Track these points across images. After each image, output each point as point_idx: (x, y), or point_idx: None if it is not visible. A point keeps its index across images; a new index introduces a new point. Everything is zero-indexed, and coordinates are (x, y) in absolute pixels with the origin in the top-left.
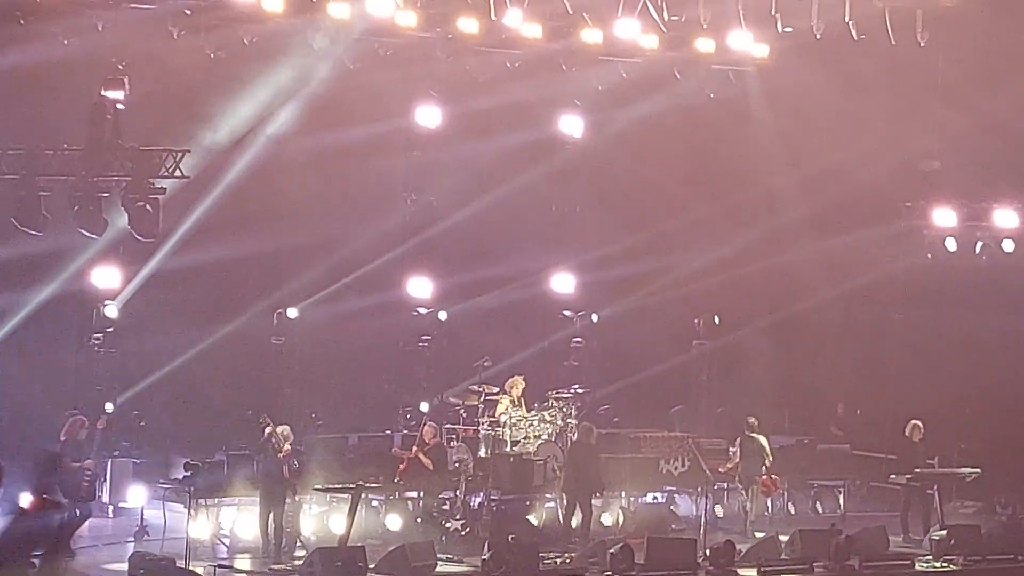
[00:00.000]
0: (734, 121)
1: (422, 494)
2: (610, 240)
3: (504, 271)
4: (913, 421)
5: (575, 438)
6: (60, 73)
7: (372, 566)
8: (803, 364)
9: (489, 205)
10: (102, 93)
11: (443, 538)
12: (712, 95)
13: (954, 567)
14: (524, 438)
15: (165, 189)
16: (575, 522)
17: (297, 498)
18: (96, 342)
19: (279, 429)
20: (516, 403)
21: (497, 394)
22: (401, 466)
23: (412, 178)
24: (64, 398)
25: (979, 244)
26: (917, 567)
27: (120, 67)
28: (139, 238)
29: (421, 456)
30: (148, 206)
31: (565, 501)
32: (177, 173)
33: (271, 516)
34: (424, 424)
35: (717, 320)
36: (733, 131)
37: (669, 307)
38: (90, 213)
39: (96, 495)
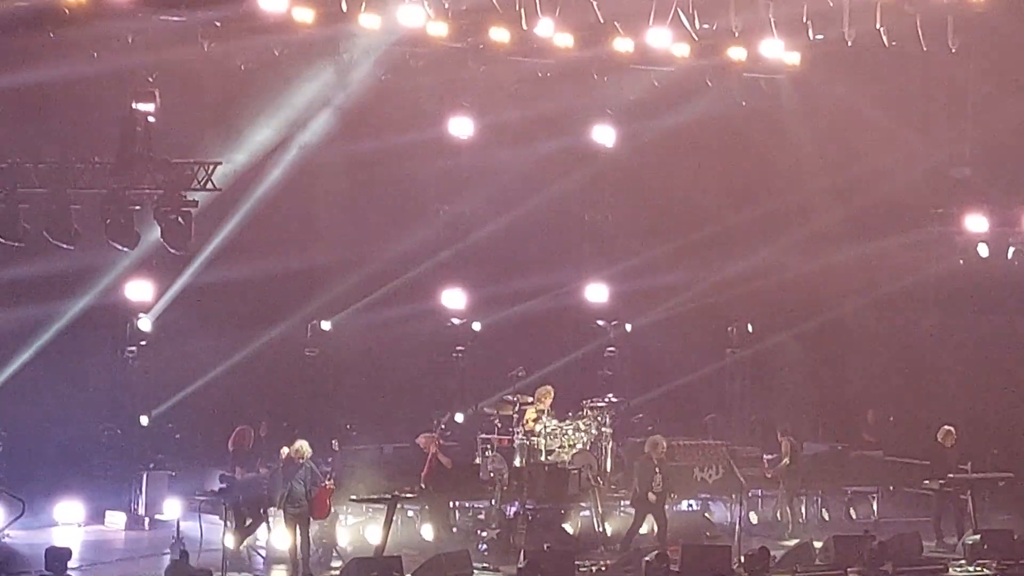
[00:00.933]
0: (766, 129)
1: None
2: (643, 249)
3: (538, 281)
4: (946, 427)
5: (645, 451)
6: (90, 86)
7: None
8: (836, 371)
9: (522, 215)
10: (133, 106)
11: (479, 547)
12: (744, 103)
13: (988, 571)
14: (559, 447)
15: (197, 202)
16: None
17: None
18: (130, 355)
19: (296, 445)
20: (547, 413)
21: (530, 403)
22: (423, 471)
23: (445, 189)
24: (98, 412)
25: (1011, 249)
26: (951, 572)
27: (150, 80)
28: (172, 251)
29: (440, 455)
30: (180, 219)
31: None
32: (209, 185)
33: (297, 531)
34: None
35: (750, 328)
36: (765, 139)
37: (702, 316)
38: (122, 226)
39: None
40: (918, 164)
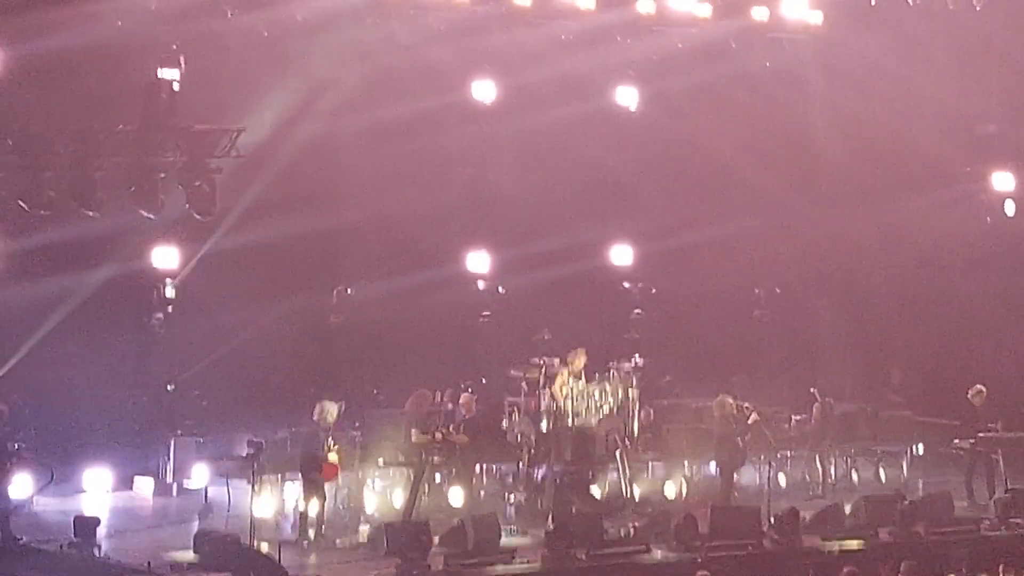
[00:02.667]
0: (790, 90)
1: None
2: (669, 211)
3: (563, 244)
4: (976, 386)
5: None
6: (114, 53)
7: (436, 540)
8: (864, 331)
9: (546, 178)
10: (157, 73)
11: (506, 511)
12: (768, 64)
13: (1020, 530)
14: (585, 410)
15: (222, 169)
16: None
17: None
18: (156, 322)
19: (319, 407)
20: (577, 376)
21: (558, 366)
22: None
23: (469, 152)
24: (125, 379)
25: None
26: (982, 531)
27: (174, 47)
28: (197, 217)
29: (454, 437)
30: (205, 185)
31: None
32: (233, 152)
33: (316, 496)
34: (459, 394)
35: (777, 290)
36: (789, 100)
37: (729, 277)
38: (146, 193)
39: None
40: (944, 122)
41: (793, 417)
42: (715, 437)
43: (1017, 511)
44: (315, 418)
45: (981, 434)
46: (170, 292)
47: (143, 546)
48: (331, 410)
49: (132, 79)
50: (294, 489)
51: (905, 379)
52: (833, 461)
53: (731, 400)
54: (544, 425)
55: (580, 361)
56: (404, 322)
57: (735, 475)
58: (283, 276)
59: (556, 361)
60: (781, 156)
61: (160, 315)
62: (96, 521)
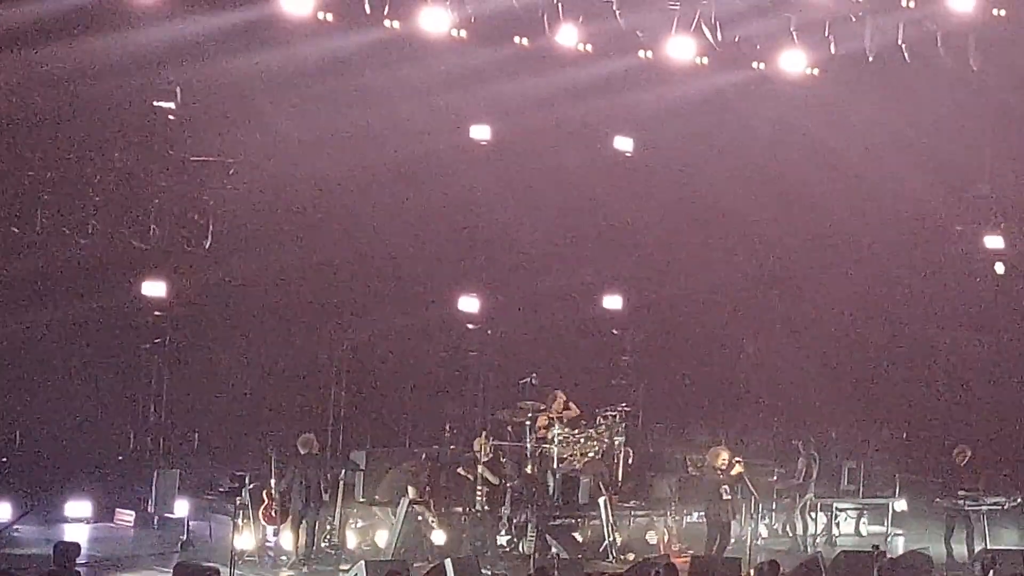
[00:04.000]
0: (787, 140)
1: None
2: (661, 258)
3: (554, 288)
4: (960, 446)
5: (706, 463)
6: (112, 82)
7: None
8: (852, 385)
9: (540, 222)
10: (154, 103)
11: (488, 554)
12: (766, 114)
13: None
14: (571, 455)
15: (215, 201)
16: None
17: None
18: (144, 353)
19: (301, 439)
20: (562, 420)
21: (543, 411)
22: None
23: (465, 195)
24: (110, 410)
25: None
26: None
27: (172, 78)
28: (189, 249)
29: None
30: (198, 216)
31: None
32: (228, 184)
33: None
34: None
35: (760, 343)
36: (786, 150)
37: (717, 325)
38: (139, 223)
39: None
40: (938, 179)
41: (776, 470)
42: (704, 488)
43: (995, 572)
44: (302, 452)
45: (962, 493)
46: (160, 323)
47: None
48: (305, 442)
49: (129, 109)
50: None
51: (892, 436)
52: (815, 514)
53: (725, 453)
54: (529, 469)
55: (559, 403)
56: (394, 362)
57: (728, 527)
58: (273, 313)
59: (543, 406)
60: (773, 208)
61: (148, 346)
62: (77, 549)
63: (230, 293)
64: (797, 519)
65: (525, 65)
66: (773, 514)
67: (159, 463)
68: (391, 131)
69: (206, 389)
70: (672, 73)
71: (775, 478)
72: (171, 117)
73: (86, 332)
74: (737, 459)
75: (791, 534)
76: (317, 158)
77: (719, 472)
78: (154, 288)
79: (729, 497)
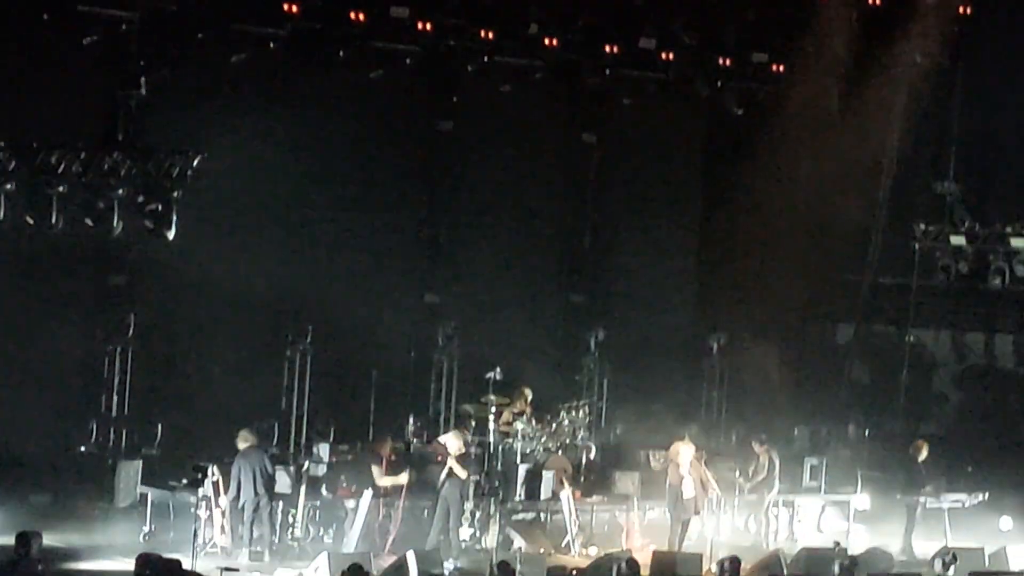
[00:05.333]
0: (755, 138)
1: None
2: (622, 253)
3: (519, 283)
4: (918, 440)
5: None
6: (78, 70)
7: (376, 574)
8: (815, 382)
9: (504, 217)
10: (119, 91)
11: (451, 547)
12: (736, 111)
13: None
14: (533, 450)
15: (180, 191)
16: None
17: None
18: (109, 343)
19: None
20: (525, 415)
21: (507, 404)
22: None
23: (430, 187)
24: (75, 401)
25: (993, 266)
26: None
27: (140, 65)
28: (154, 240)
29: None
30: (161, 207)
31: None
32: (191, 175)
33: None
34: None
35: (725, 337)
36: (754, 147)
37: (682, 323)
38: (103, 212)
39: None
40: (902, 178)
41: (738, 467)
42: (667, 483)
43: (956, 569)
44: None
45: (925, 489)
46: (126, 315)
47: (85, 567)
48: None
49: (94, 97)
50: (240, 513)
51: (858, 433)
52: (777, 511)
53: (688, 447)
54: (492, 463)
55: (525, 400)
56: (357, 356)
57: (688, 523)
58: (238, 305)
59: (507, 400)
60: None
61: (114, 337)
62: (39, 537)
63: (193, 284)
64: (760, 515)
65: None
66: (735, 510)
67: (121, 454)
68: (353, 120)
69: (169, 380)
70: (641, 69)
71: (738, 475)
72: (136, 105)
73: (53, 323)
74: (698, 455)
75: (752, 530)
76: (282, 150)
77: (680, 468)
78: (119, 278)
79: (692, 493)
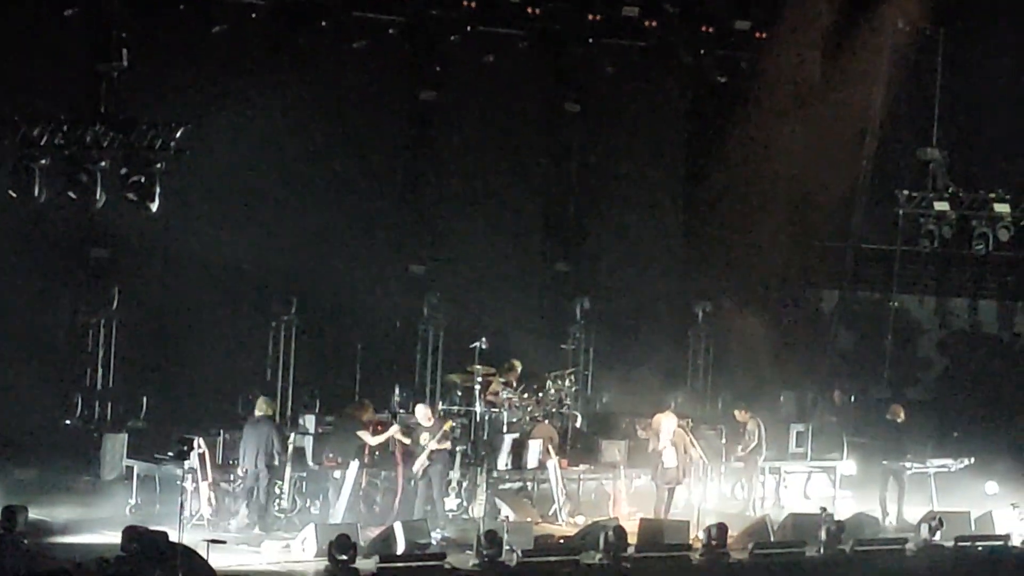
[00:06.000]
0: (739, 105)
1: None
2: (607, 222)
3: (504, 253)
4: (894, 405)
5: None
6: (58, 41)
7: (363, 544)
8: (801, 351)
9: (489, 185)
10: (100, 63)
11: (438, 516)
12: (719, 79)
13: (945, 550)
14: (519, 419)
15: (162, 162)
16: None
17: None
18: (93, 316)
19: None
20: (511, 385)
21: (494, 375)
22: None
23: (414, 157)
24: (60, 373)
25: (976, 232)
26: (908, 550)
27: (121, 37)
28: (137, 210)
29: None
30: (144, 178)
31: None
32: (174, 147)
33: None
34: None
35: (711, 305)
36: (737, 115)
37: (668, 291)
38: (84, 184)
39: None
40: (886, 144)
41: (725, 432)
42: (651, 452)
43: (942, 534)
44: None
45: (909, 456)
46: (109, 286)
47: (71, 540)
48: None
49: (74, 68)
50: (229, 486)
51: (844, 398)
52: (764, 478)
53: (673, 417)
54: (478, 433)
55: (515, 372)
56: (343, 327)
57: (673, 491)
58: (223, 277)
59: (493, 369)
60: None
61: (98, 309)
62: (24, 511)
63: (178, 256)
64: (747, 482)
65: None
66: (722, 477)
67: (107, 427)
68: (337, 89)
69: (154, 353)
70: (624, 37)
71: (724, 440)
72: (117, 76)
73: (36, 295)
74: (682, 423)
75: (740, 496)
76: (264, 123)
77: (660, 439)
78: (101, 250)
79: (675, 463)
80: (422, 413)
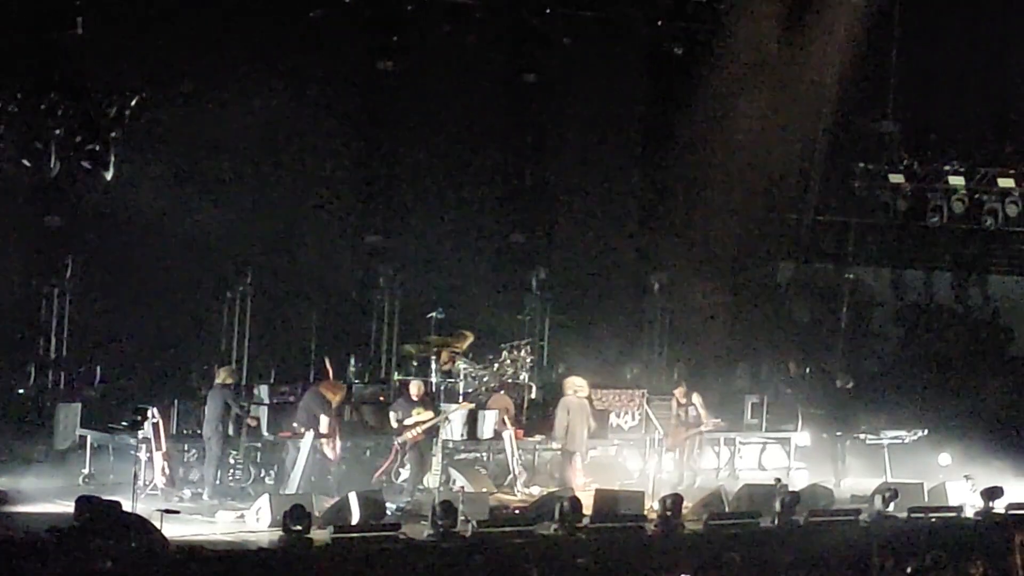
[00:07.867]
0: (695, 77)
1: None
2: (563, 193)
3: (460, 223)
4: (840, 373)
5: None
6: (11, 9)
7: (318, 515)
8: (756, 323)
9: (445, 155)
10: (55, 31)
11: (393, 487)
12: (676, 50)
13: (898, 520)
14: (475, 390)
15: (117, 130)
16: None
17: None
18: (47, 283)
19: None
20: (466, 355)
21: (448, 345)
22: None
23: (370, 127)
24: (13, 342)
25: (931, 204)
26: (861, 521)
27: (75, 4)
28: (92, 179)
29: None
30: (98, 146)
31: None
32: (129, 115)
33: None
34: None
35: (667, 276)
36: (694, 86)
37: (623, 262)
38: (38, 152)
39: None
40: (841, 117)
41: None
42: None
43: (896, 505)
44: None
45: (864, 427)
46: (65, 258)
47: (23, 510)
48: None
49: (30, 37)
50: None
51: (799, 370)
52: (719, 449)
53: (579, 380)
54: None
55: (465, 343)
56: (298, 297)
57: (572, 455)
58: (178, 245)
59: (447, 340)
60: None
61: (54, 280)
62: None
63: (132, 225)
64: (701, 453)
65: None
66: (677, 448)
67: (60, 397)
68: (292, 59)
69: (108, 322)
70: (583, 7)
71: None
72: (73, 46)
73: None
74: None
75: (694, 467)
76: (219, 91)
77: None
78: (58, 221)
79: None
80: (415, 389)
